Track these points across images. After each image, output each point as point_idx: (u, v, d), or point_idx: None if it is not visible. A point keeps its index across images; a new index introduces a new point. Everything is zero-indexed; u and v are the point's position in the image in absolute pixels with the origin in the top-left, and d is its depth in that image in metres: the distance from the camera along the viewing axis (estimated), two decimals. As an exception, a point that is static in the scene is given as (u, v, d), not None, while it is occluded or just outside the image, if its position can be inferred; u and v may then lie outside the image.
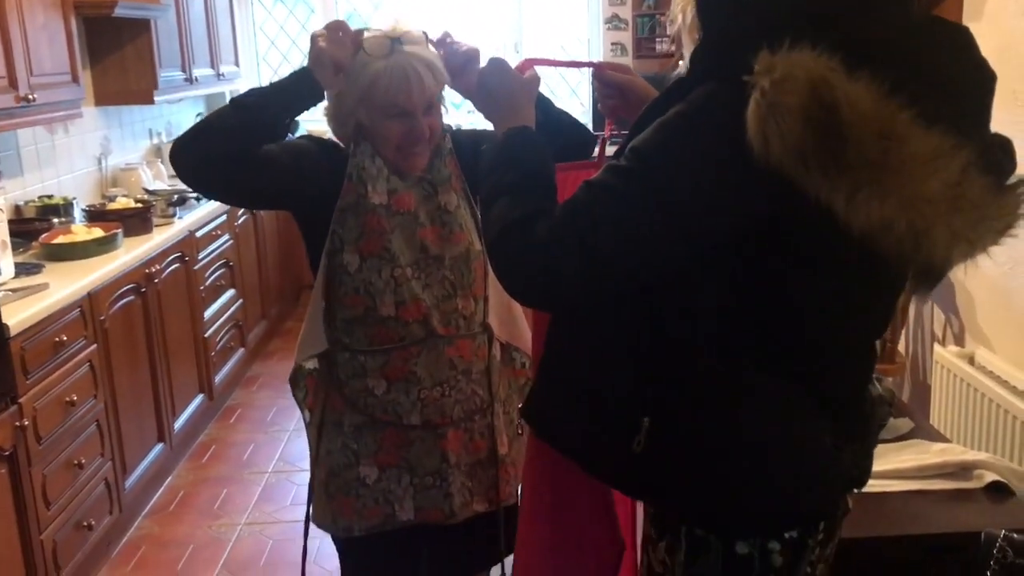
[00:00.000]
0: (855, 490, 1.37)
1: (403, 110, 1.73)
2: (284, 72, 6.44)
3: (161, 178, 4.76)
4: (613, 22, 6.19)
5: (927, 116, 1.03)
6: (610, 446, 1.27)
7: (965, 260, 1.11)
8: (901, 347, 3.55)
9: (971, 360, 2.94)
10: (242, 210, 4.79)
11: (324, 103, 1.77)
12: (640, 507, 1.60)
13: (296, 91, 1.70)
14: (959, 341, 3.17)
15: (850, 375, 1.30)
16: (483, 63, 1.47)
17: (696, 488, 1.24)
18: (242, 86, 6.07)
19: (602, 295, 1.20)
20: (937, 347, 3.15)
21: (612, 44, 6.21)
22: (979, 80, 1.16)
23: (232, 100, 1.72)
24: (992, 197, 1.08)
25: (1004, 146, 1.18)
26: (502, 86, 1.42)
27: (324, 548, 3.15)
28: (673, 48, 6.01)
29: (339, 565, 2.01)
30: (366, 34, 1.72)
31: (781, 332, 1.20)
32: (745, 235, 1.13)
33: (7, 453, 2.51)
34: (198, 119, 1.74)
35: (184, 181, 1.71)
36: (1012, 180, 1.14)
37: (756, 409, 1.21)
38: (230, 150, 1.65)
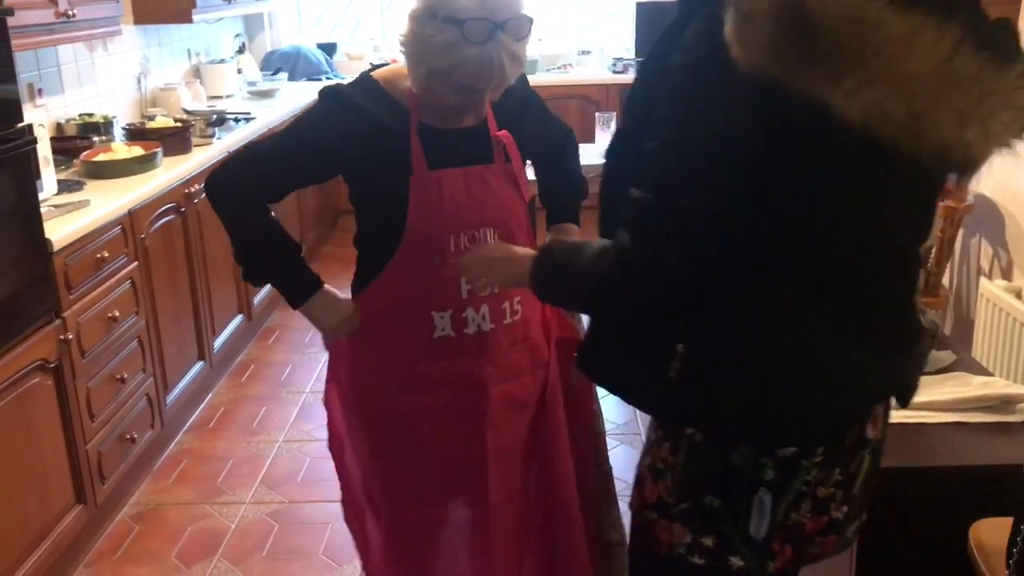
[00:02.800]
0: (894, 401, 1.39)
1: (472, 91, 1.64)
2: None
3: (200, 98, 4.75)
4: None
5: (903, 0, 1.05)
6: (651, 375, 1.31)
7: (988, 144, 1.09)
8: (946, 280, 3.49)
9: (1018, 294, 2.88)
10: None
11: (402, 32, 1.65)
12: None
13: (285, 289, 1.81)
14: (1007, 275, 3.10)
15: (887, 287, 1.30)
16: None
17: (720, 407, 1.28)
18: (281, 7, 6.01)
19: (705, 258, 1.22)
20: (983, 280, 3.09)
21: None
22: None
23: (240, 243, 1.80)
24: (993, 72, 1.07)
25: (1004, 24, 1.14)
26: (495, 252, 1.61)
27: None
28: None
29: None
30: (468, 16, 1.55)
31: (806, 244, 1.21)
32: (760, 149, 1.14)
33: (52, 365, 2.56)
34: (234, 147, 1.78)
35: None
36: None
37: (779, 326, 1.23)
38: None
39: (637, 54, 5.97)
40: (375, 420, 1.86)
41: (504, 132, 1.78)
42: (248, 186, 1.74)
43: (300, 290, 1.80)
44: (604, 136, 3.67)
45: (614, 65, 5.96)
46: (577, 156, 2.09)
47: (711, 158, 1.15)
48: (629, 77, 5.83)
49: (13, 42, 2.55)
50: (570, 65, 6.04)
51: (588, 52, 6.20)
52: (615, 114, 3.83)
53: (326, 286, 1.81)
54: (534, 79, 1.68)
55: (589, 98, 5.81)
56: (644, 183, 1.20)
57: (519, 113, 1.85)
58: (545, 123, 1.99)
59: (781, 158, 1.14)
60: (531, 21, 1.61)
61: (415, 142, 1.70)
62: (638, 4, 6.00)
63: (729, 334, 1.25)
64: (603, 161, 1.39)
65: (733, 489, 1.31)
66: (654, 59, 1.26)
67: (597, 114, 3.80)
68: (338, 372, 1.92)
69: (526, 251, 1.50)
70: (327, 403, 1.97)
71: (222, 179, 1.75)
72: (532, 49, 6.41)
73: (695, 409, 1.31)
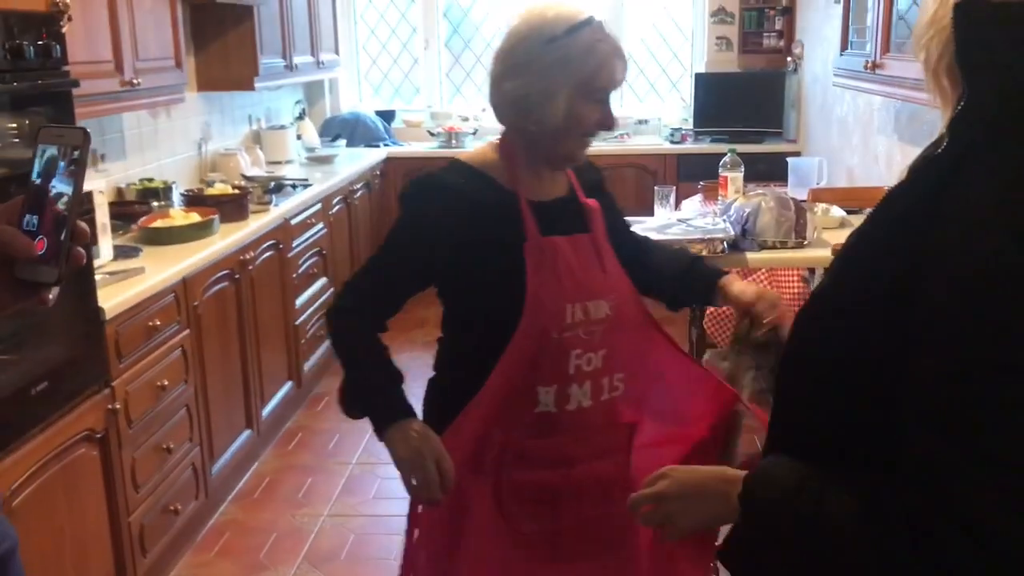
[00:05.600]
0: None
1: (606, 95, 1.67)
2: (383, 63, 6.42)
3: (259, 164, 4.80)
4: (719, 15, 6.00)
5: None
6: None
7: None
8: None
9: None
10: (337, 199, 4.80)
11: (509, 88, 1.68)
12: None
13: (373, 411, 1.69)
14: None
15: None
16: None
17: None
18: (341, 74, 6.10)
19: None
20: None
21: (717, 39, 6.02)
22: None
23: (350, 373, 1.73)
24: None
25: None
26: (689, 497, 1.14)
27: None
28: (782, 44, 5.80)
29: None
30: (586, 15, 1.63)
31: None
32: None
33: (99, 436, 2.53)
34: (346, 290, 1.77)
35: None
36: None
37: None
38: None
39: (695, 124, 5.93)
40: (459, 497, 1.72)
41: (593, 200, 1.78)
42: (365, 308, 1.73)
43: (386, 415, 1.67)
44: (664, 212, 3.60)
45: (672, 135, 5.92)
46: (670, 251, 2.01)
47: None
48: (686, 147, 5.79)
49: (79, 110, 2.58)
50: (627, 135, 6.01)
51: (646, 122, 6.17)
52: (674, 189, 3.77)
53: (415, 419, 1.67)
54: (591, 148, 1.67)
55: (646, 168, 5.76)
56: (969, 424, 0.80)
57: (599, 191, 1.85)
58: (619, 218, 1.93)
59: None
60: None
61: (525, 210, 1.67)
62: (697, 75, 5.98)
63: None
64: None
65: None
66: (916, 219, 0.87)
67: (656, 188, 3.74)
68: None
69: (717, 474, 1.12)
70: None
71: (340, 307, 1.74)
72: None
73: None
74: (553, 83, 1.61)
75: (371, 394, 1.70)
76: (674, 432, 1.83)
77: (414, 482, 1.63)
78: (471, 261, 1.69)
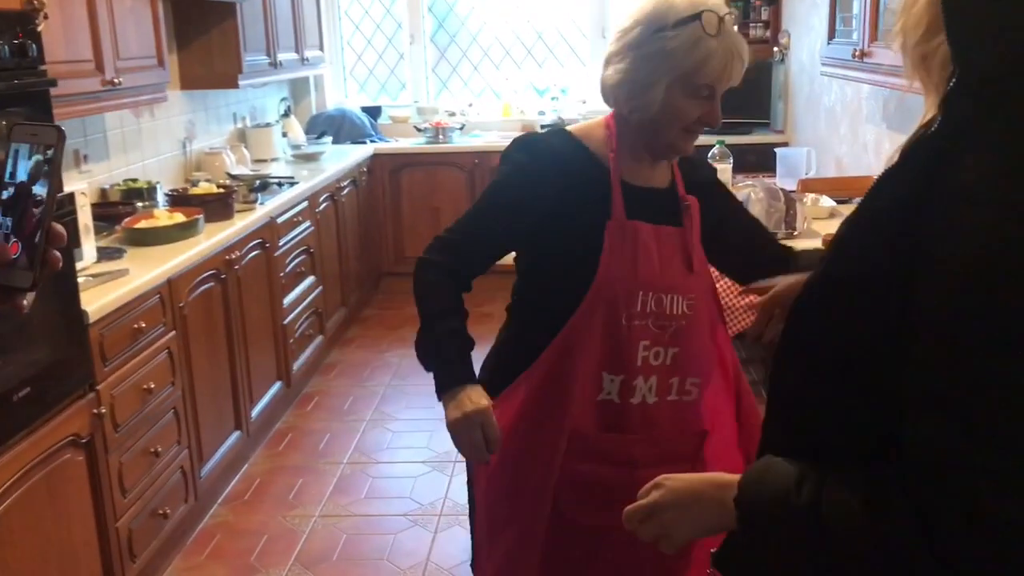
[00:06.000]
0: None
1: (712, 92, 1.64)
2: (368, 58, 6.38)
3: (244, 162, 4.76)
4: (705, 7, 5.97)
5: None
6: None
7: None
8: None
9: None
10: (323, 196, 4.76)
11: (617, 69, 1.65)
12: None
13: (437, 372, 1.68)
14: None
15: None
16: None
17: None
18: (326, 71, 6.06)
19: None
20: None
21: (703, 29, 5.99)
22: None
23: (425, 326, 1.71)
24: None
25: None
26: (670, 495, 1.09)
27: (402, 543, 3.10)
28: (769, 34, 5.78)
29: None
30: (702, 9, 1.59)
31: None
32: None
33: (84, 440, 2.49)
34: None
35: None
36: None
37: None
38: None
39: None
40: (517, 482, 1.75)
41: (692, 197, 1.76)
42: (451, 263, 1.72)
43: (447, 380, 1.68)
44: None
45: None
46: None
47: None
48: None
49: (59, 110, 2.54)
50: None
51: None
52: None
53: (472, 386, 1.68)
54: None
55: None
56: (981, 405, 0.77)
57: (708, 189, 1.83)
58: (752, 228, 1.93)
59: None
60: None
61: (616, 189, 1.67)
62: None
63: None
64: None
65: None
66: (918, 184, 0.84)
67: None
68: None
69: (711, 480, 1.06)
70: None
71: (428, 260, 1.73)
72: (576, 110, 6.32)
73: None
74: (653, 72, 1.61)
75: (439, 355, 1.69)
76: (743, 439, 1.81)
77: (462, 446, 1.68)
78: (555, 228, 1.69)
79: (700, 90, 1.62)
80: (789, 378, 0.96)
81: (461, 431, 1.65)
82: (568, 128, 1.77)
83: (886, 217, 0.86)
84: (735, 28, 1.64)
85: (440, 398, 1.68)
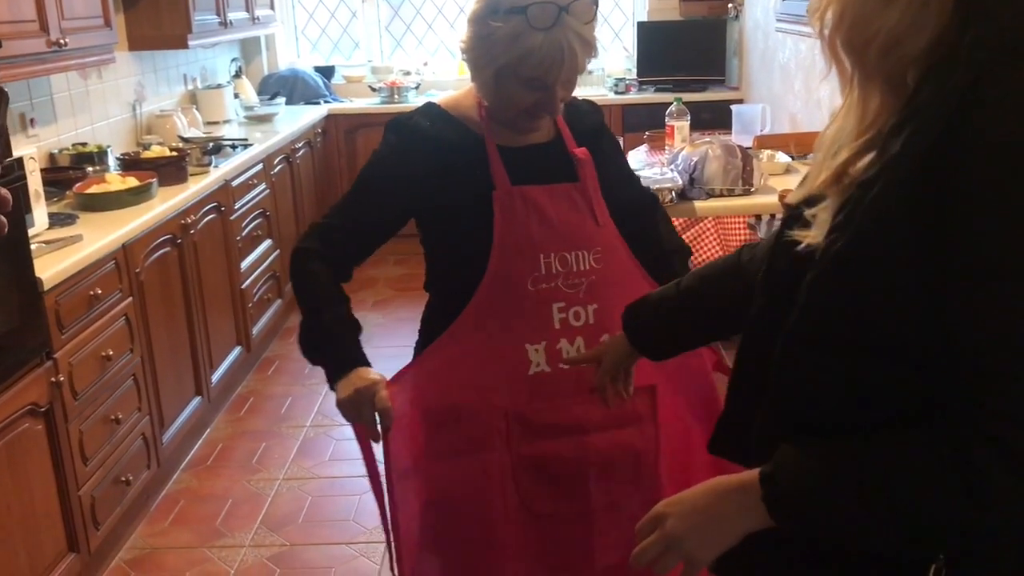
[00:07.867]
0: None
1: (544, 84, 1.57)
2: (320, 17, 6.26)
3: (196, 125, 4.68)
4: (659, -37, 5.95)
5: None
6: None
7: None
8: None
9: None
10: (278, 159, 4.70)
11: (462, 39, 1.61)
12: None
13: (327, 361, 1.64)
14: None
15: None
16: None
17: None
18: (278, 30, 5.95)
19: None
20: None
21: (658, -14, 5.98)
22: None
23: (307, 319, 1.66)
24: None
25: None
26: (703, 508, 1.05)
27: (366, 504, 3.11)
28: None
29: None
30: (531, 1, 1.50)
31: None
32: None
33: (43, 409, 2.46)
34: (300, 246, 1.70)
35: None
36: None
37: None
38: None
39: (639, 74, 5.90)
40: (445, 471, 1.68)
41: (583, 149, 1.71)
42: (331, 251, 1.66)
43: (340, 367, 1.63)
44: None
45: (616, 86, 5.89)
46: (670, 228, 1.88)
47: None
48: (630, 98, 5.76)
49: (3, 72, 2.48)
50: (571, 86, 5.97)
51: (590, 72, 6.12)
52: (622, 139, 3.75)
53: (363, 367, 1.63)
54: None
55: (591, 119, 5.73)
56: (994, 345, 0.84)
57: (595, 136, 1.77)
58: (626, 177, 1.86)
59: None
60: (596, 3, 1.56)
61: (494, 157, 1.63)
62: (639, 24, 5.94)
63: None
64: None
65: None
66: (914, 148, 0.86)
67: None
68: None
69: (720, 491, 1.02)
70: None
71: (304, 248, 1.68)
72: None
73: None
74: (482, 57, 1.58)
75: (331, 343, 1.65)
76: (693, 400, 1.77)
77: (353, 422, 1.63)
78: (442, 207, 1.66)
79: (530, 82, 1.56)
80: (802, 364, 0.96)
81: (349, 407, 1.60)
82: (437, 101, 1.72)
83: (903, 177, 0.87)
84: (587, 18, 1.54)
85: (333, 386, 1.62)
